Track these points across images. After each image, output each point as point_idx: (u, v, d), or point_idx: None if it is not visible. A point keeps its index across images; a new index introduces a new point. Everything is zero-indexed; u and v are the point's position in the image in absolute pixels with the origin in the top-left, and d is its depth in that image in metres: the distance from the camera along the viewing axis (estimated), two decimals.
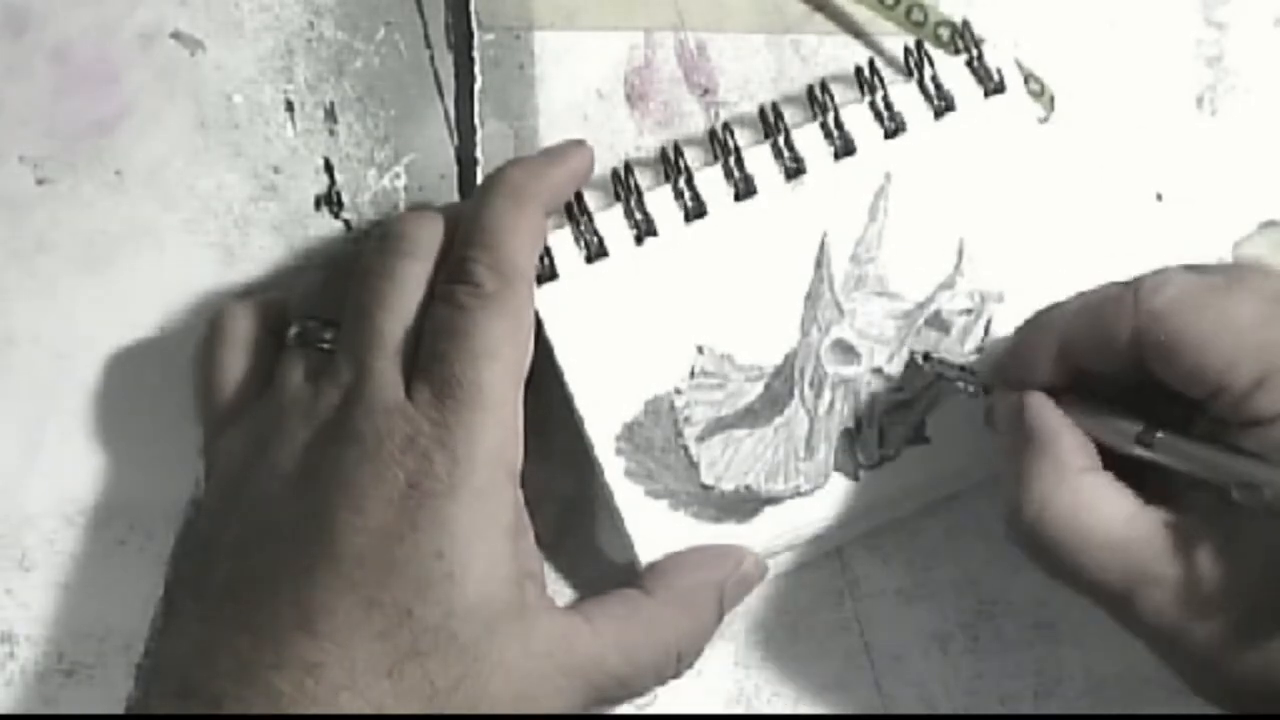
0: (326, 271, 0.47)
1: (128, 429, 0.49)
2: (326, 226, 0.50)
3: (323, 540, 0.42)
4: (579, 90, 0.51)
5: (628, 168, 0.48)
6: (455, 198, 0.50)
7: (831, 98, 0.48)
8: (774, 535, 0.47)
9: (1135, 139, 0.51)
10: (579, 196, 0.48)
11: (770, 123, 0.48)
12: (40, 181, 0.50)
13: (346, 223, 0.50)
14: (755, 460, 0.47)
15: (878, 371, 0.48)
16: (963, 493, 0.49)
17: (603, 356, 0.47)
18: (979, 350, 0.47)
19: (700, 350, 0.47)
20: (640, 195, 0.48)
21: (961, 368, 0.47)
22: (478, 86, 0.51)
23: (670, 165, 0.48)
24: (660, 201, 0.48)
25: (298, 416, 0.44)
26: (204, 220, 0.50)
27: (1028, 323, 0.45)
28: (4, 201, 0.50)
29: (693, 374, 0.47)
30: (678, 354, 0.47)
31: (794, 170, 0.48)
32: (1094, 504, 0.42)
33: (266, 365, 0.46)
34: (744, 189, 0.48)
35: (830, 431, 0.48)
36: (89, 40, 0.50)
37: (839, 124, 0.48)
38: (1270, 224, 0.51)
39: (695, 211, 0.48)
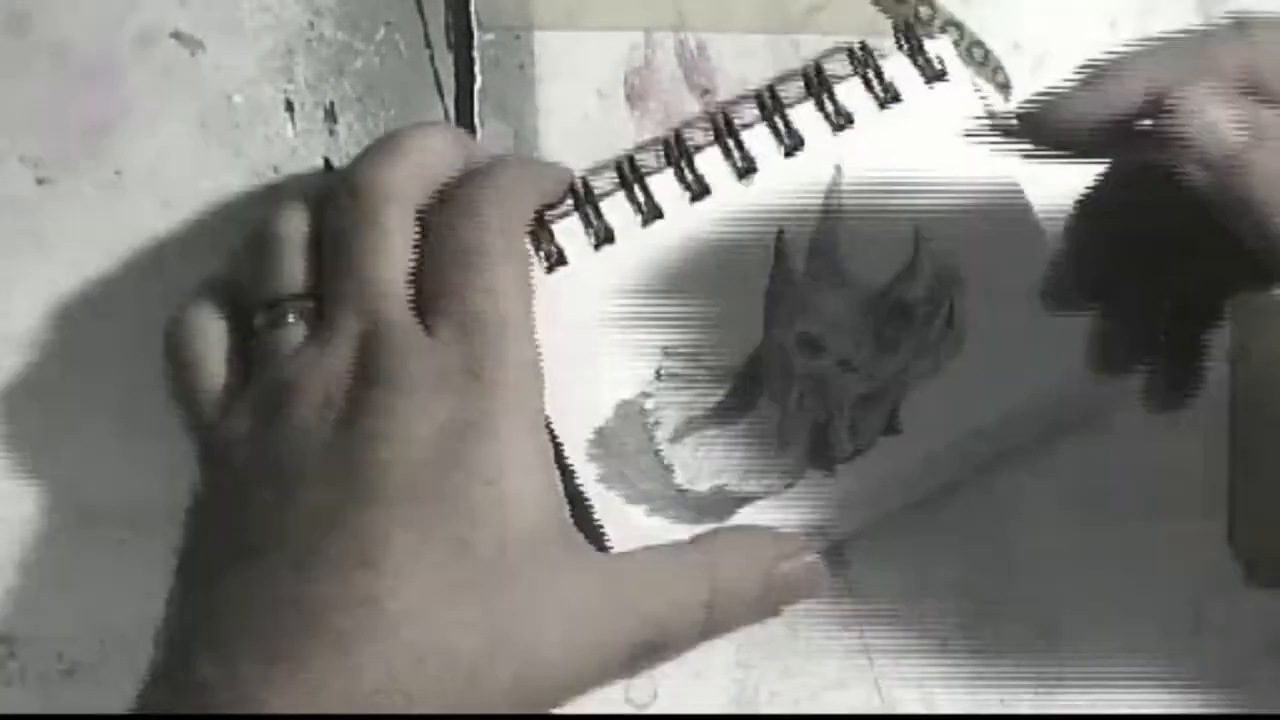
0: (253, 244, 0.46)
1: (128, 429, 0.49)
2: None
3: (369, 478, 0.41)
4: (579, 90, 0.51)
5: (583, 180, 0.48)
6: None
7: (777, 99, 0.48)
8: None
9: None
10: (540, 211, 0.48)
11: (719, 127, 0.48)
12: (40, 181, 0.50)
13: None
14: (728, 459, 0.47)
15: (844, 363, 0.48)
16: (962, 493, 0.49)
17: (570, 364, 0.47)
18: (944, 334, 0.48)
19: (665, 353, 0.48)
20: (596, 203, 0.48)
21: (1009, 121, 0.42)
22: (478, 86, 0.51)
23: (624, 172, 0.48)
24: (616, 208, 0.48)
25: (311, 376, 0.43)
26: (204, 220, 0.50)
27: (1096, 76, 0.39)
28: (4, 201, 0.50)
29: (659, 376, 0.47)
30: (644, 358, 0.47)
31: (745, 169, 0.48)
32: None
33: (244, 353, 0.45)
34: (698, 190, 0.48)
35: (801, 427, 0.48)
36: (89, 40, 0.50)
37: (786, 123, 0.48)
38: None
39: (651, 215, 0.48)
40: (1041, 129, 0.40)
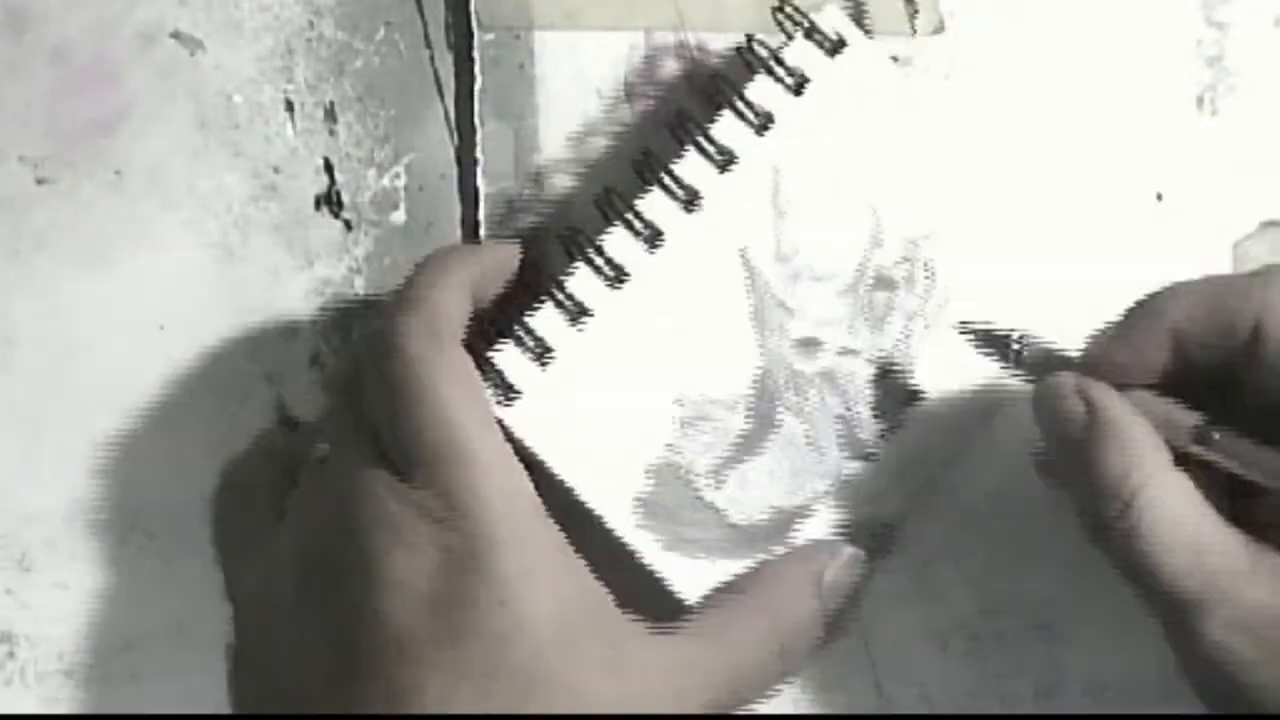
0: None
1: (130, 429, 0.49)
2: (326, 226, 0.50)
3: (376, 632, 0.41)
4: (579, 90, 0.51)
5: (537, 265, 0.47)
6: (455, 197, 0.50)
7: (694, 119, 0.48)
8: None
9: (1135, 139, 0.51)
10: (518, 310, 0.47)
11: (649, 167, 0.47)
12: (40, 181, 0.50)
13: (346, 223, 0.50)
14: (772, 482, 0.47)
15: (845, 350, 0.48)
16: (961, 491, 0.49)
17: (590, 449, 0.46)
18: (929, 289, 0.48)
19: (678, 403, 0.47)
20: (561, 283, 0.47)
21: (1018, 353, 0.46)
22: (478, 86, 0.51)
23: (574, 245, 0.47)
24: (581, 281, 0.47)
25: (311, 527, 0.43)
26: (204, 220, 0.50)
27: (1138, 309, 0.43)
28: (4, 201, 0.50)
29: (681, 426, 0.47)
30: (659, 414, 0.47)
31: (688, 200, 0.47)
32: (1183, 501, 0.41)
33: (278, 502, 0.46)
34: (650, 235, 0.47)
35: (827, 425, 0.48)
36: (89, 40, 0.50)
37: (710, 140, 0.47)
38: (1270, 224, 0.51)
39: (617, 277, 0.47)
40: (1093, 369, 0.43)
